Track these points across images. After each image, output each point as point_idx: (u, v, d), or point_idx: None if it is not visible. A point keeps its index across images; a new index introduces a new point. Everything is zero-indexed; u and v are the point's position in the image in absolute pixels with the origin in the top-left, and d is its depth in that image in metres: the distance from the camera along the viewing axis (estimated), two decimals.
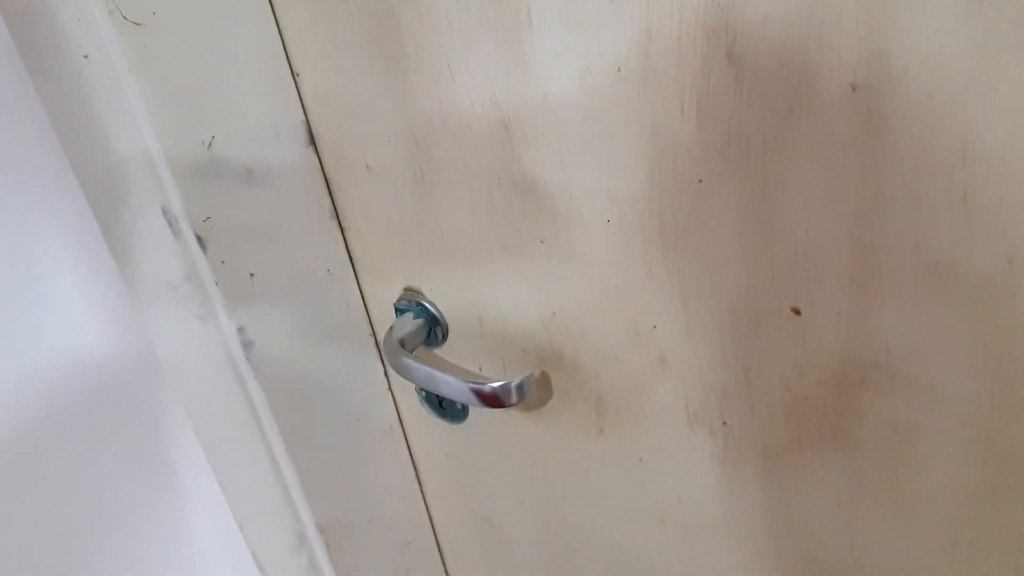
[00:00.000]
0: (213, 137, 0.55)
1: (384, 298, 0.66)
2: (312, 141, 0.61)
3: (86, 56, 0.51)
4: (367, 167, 0.60)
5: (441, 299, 0.63)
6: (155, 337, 0.62)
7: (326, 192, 0.63)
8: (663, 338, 0.53)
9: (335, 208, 0.64)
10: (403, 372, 0.58)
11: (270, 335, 0.60)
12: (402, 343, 0.61)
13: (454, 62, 0.51)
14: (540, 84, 0.49)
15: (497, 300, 0.59)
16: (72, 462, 0.64)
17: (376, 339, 0.70)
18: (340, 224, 0.65)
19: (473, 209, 0.56)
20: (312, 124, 0.61)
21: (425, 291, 0.63)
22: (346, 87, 0.57)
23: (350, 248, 0.66)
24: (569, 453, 0.63)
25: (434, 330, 0.64)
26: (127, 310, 0.63)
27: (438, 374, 0.56)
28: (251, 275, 0.58)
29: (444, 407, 0.69)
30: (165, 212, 0.54)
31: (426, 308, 0.63)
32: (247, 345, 0.58)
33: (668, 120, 0.44)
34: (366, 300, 0.68)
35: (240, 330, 0.58)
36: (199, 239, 0.55)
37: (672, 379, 0.54)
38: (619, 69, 0.44)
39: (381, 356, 0.70)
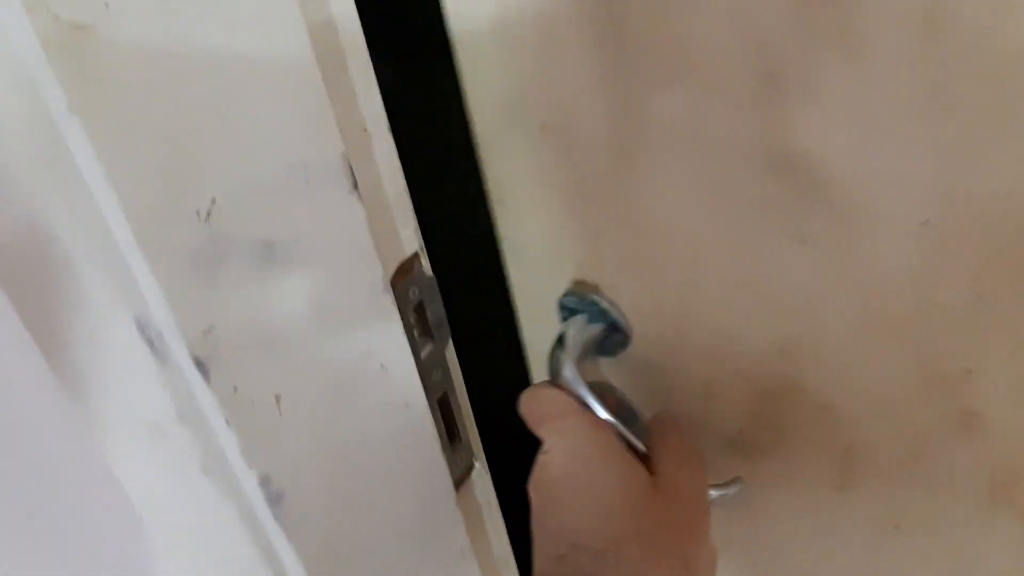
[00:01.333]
0: (213, 201, 0.33)
1: (540, 290, 0.51)
2: (355, 187, 0.39)
3: None
4: (541, 125, 0.44)
5: (626, 300, 0.47)
6: (137, 497, 0.42)
7: (376, 258, 0.41)
8: (978, 388, 0.37)
9: (481, 174, 0.48)
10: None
11: (307, 479, 0.39)
12: (578, 357, 0.46)
13: None
14: (847, 15, 0.33)
15: (715, 310, 0.44)
16: None
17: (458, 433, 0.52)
18: (488, 195, 0.49)
19: (698, 190, 0.40)
20: (465, 63, 0.44)
21: (604, 287, 0.48)
22: (522, 10, 0.41)
23: (499, 228, 0.50)
24: (790, 504, 0.48)
25: (611, 337, 0.49)
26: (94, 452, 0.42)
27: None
28: (277, 399, 0.37)
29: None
30: (142, 326, 0.33)
31: (604, 310, 0.48)
32: (275, 499, 0.37)
33: None
34: (513, 290, 0.52)
35: (264, 480, 0.37)
36: (198, 362, 0.33)
37: (978, 441, 0.39)
38: None
39: (460, 477, 0.51)
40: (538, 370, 0.55)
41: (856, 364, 0.41)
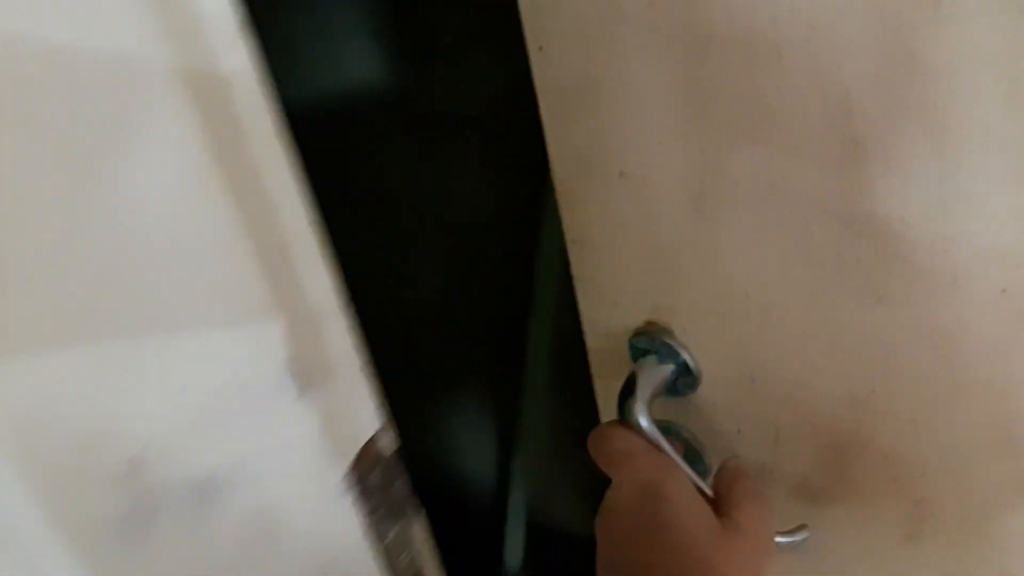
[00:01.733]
0: (131, 460, 0.26)
1: (612, 329, 0.52)
2: (304, 390, 0.34)
3: None
4: (620, 173, 0.45)
5: (698, 343, 0.48)
6: None
7: (331, 462, 0.36)
8: None
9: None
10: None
11: None
12: (648, 397, 0.47)
13: (786, 42, 0.35)
14: (930, 88, 0.33)
15: (787, 359, 0.45)
16: None
17: None
18: (565, 237, 0.50)
19: (775, 244, 0.41)
20: (548, 112, 0.46)
21: (676, 330, 0.49)
22: (607, 66, 0.42)
23: (574, 266, 0.51)
24: (856, 553, 0.49)
25: (681, 379, 0.50)
26: None
27: None
28: None
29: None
30: None
31: (675, 351, 0.49)
32: None
33: None
34: (585, 328, 0.54)
35: None
36: None
37: None
38: None
39: None
40: (607, 409, 0.56)
41: (927, 421, 0.41)
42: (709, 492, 0.45)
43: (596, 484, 0.45)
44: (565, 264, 0.52)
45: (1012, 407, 0.38)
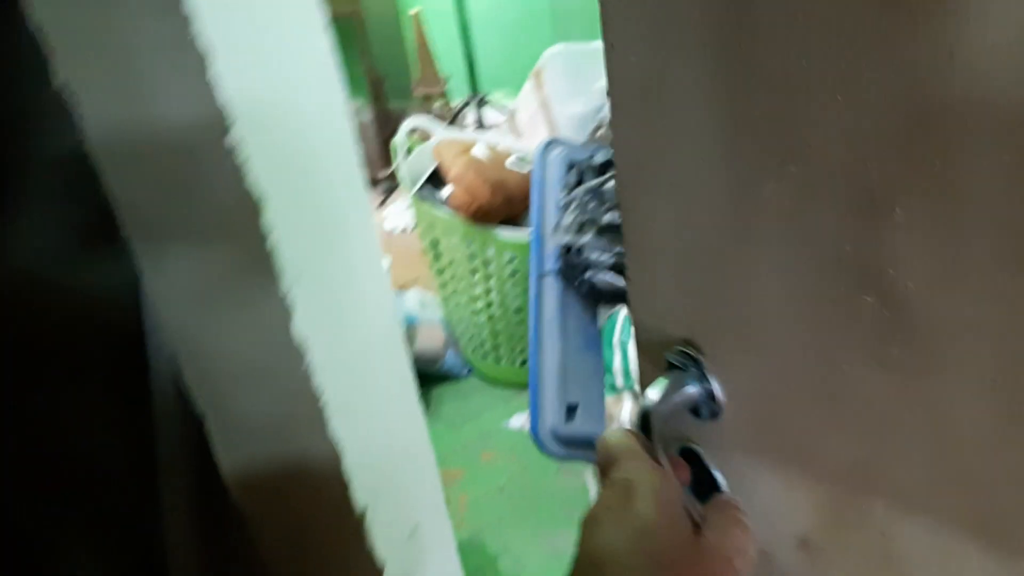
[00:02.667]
0: None
1: (654, 340, 0.52)
2: None
3: None
4: (671, 184, 0.45)
5: (725, 371, 0.48)
6: None
7: None
8: None
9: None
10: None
11: None
12: (667, 411, 0.47)
13: (816, 82, 0.34)
14: (941, 149, 0.31)
15: (797, 408, 0.43)
16: None
17: None
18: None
19: (794, 286, 0.40)
20: (616, 113, 0.47)
21: (708, 354, 0.48)
22: (663, 74, 0.42)
23: (628, 271, 0.52)
24: None
25: (708, 403, 0.49)
26: None
27: None
28: None
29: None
30: None
31: (703, 375, 0.49)
32: None
33: None
34: (636, 338, 0.54)
35: None
36: None
37: None
38: None
39: None
40: None
41: (920, 500, 0.38)
42: (697, 515, 0.45)
43: None
44: None
45: (1003, 503, 0.34)
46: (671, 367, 0.50)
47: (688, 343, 0.50)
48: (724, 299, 0.45)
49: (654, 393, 0.48)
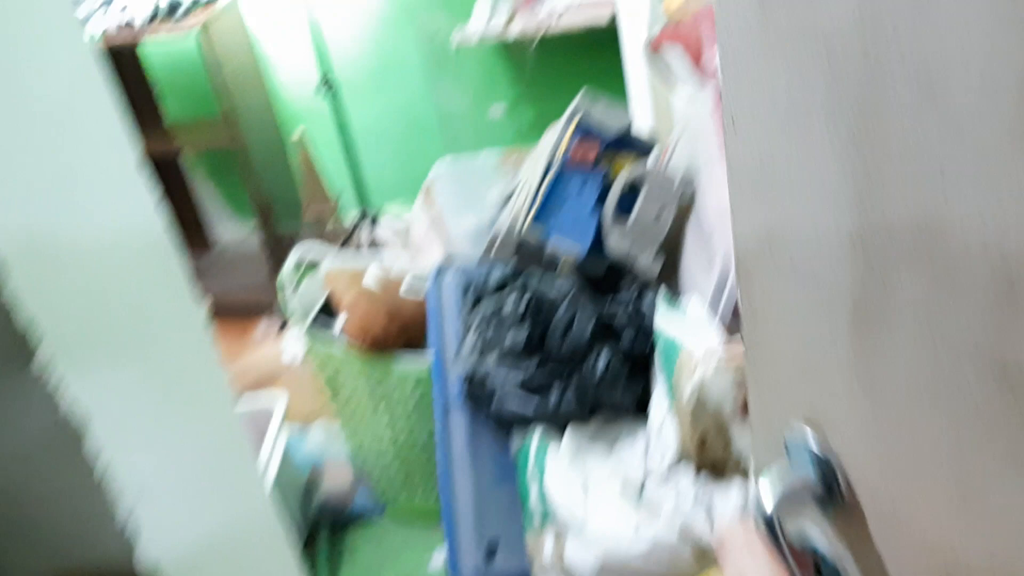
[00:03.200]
0: None
1: (771, 413, 0.49)
2: None
3: None
4: (791, 263, 0.44)
5: (848, 457, 0.45)
6: None
7: None
8: None
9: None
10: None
11: None
12: (784, 501, 0.45)
13: (950, 166, 0.34)
14: None
15: (925, 504, 0.40)
16: None
17: None
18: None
19: (926, 377, 0.38)
20: (734, 186, 0.45)
21: (830, 437, 0.46)
22: (788, 150, 0.42)
23: (745, 338, 0.49)
24: None
25: (827, 489, 0.47)
26: None
27: None
28: None
29: None
30: None
31: (823, 459, 0.46)
32: None
33: None
34: (750, 408, 0.51)
35: None
36: None
37: None
38: None
39: None
40: None
41: None
42: None
43: None
44: None
45: None
46: (791, 450, 0.48)
47: (810, 421, 0.48)
48: (845, 383, 0.43)
49: (775, 482, 0.45)
